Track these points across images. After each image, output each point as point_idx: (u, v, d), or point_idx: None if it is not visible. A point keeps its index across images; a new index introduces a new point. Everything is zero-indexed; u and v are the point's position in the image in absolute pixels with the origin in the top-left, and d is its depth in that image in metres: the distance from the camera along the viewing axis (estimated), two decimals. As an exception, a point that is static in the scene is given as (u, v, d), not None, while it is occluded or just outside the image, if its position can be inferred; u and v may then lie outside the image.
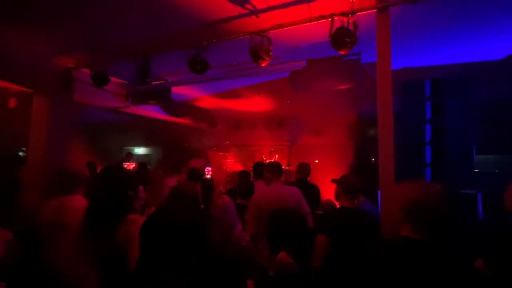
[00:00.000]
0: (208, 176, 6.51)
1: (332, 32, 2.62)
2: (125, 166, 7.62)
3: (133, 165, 7.65)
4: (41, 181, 3.63)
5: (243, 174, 3.90)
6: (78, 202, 2.04)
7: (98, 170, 3.68)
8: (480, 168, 4.49)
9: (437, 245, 1.33)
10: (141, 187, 3.85)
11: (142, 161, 6.83)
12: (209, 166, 7.19)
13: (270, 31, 2.95)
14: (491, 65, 4.06)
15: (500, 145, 4.83)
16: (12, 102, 4.72)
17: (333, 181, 2.53)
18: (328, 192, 3.78)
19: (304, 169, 4.05)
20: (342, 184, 2.35)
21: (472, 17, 2.92)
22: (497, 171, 4.80)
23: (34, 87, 4.25)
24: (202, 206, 1.89)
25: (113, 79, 4.70)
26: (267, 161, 6.54)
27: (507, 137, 4.70)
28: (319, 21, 2.71)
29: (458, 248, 1.53)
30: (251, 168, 4.04)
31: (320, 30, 2.82)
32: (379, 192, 2.49)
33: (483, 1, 2.60)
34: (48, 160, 4.06)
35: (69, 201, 2.04)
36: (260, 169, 3.61)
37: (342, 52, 2.71)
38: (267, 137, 7.80)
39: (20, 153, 6.81)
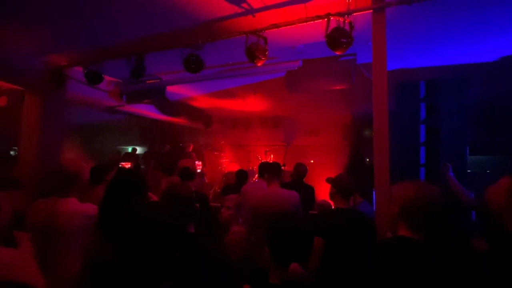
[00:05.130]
0: (199, 170, 6.39)
1: (328, 32, 2.62)
2: (121, 165, 7.54)
3: (129, 165, 7.58)
4: (33, 181, 3.58)
5: (238, 174, 3.89)
6: (72, 205, 1.96)
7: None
8: (472, 168, 4.54)
9: (434, 245, 1.33)
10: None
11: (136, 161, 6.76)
12: (198, 164, 7.10)
13: (266, 31, 2.94)
14: (485, 67, 4.10)
15: (492, 146, 4.89)
16: (3, 100, 4.62)
17: (328, 180, 2.51)
18: (323, 192, 3.79)
19: (300, 170, 4.05)
20: (336, 185, 2.33)
21: (466, 18, 2.95)
22: (488, 171, 4.86)
23: (25, 85, 4.17)
24: (197, 205, 1.85)
25: (107, 77, 4.64)
26: (262, 161, 6.53)
27: (499, 138, 4.76)
28: (315, 21, 2.70)
29: (453, 247, 1.54)
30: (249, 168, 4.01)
31: (316, 30, 2.82)
32: (374, 192, 2.50)
33: (478, 3, 2.62)
34: (40, 159, 3.99)
35: (63, 204, 1.93)
36: (263, 169, 3.58)
37: (338, 53, 2.70)
38: (262, 137, 7.79)
39: (12, 153, 6.70)
